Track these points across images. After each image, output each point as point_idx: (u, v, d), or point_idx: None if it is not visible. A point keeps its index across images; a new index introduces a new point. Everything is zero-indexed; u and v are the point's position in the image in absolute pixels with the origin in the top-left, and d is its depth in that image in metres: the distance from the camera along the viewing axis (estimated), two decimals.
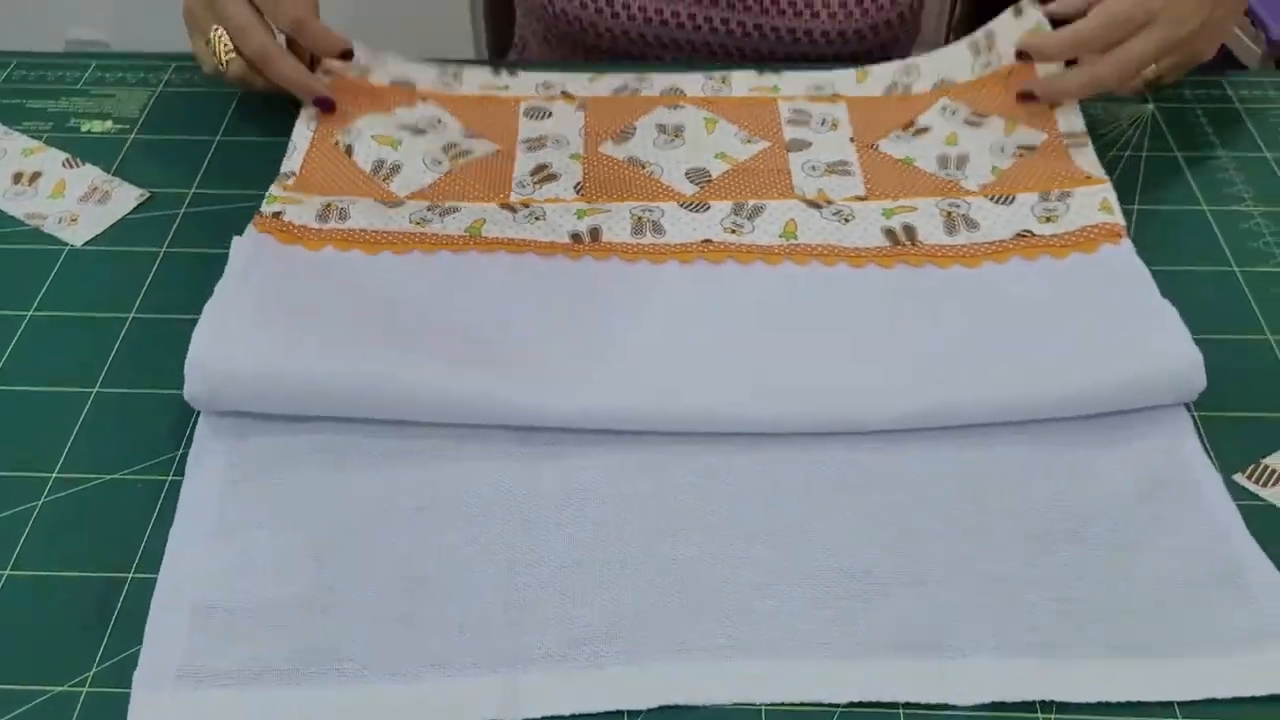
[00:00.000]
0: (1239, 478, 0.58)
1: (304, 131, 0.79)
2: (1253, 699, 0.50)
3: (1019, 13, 0.82)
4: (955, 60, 0.84)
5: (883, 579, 0.55)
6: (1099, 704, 0.50)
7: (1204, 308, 0.65)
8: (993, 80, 0.81)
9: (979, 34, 0.84)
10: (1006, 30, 0.82)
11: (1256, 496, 0.57)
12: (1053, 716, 0.50)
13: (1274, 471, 0.57)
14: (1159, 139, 0.80)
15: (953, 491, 0.59)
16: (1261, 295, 0.68)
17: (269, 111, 0.83)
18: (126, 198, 0.78)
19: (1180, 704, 0.50)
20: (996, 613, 0.53)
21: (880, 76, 0.85)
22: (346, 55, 0.81)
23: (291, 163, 0.77)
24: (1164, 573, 0.55)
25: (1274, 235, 0.73)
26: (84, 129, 0.84)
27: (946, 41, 0.97)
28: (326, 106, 0.79)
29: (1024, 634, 0.53)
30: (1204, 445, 0.59)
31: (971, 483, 0.59)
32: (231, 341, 0.61)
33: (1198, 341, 0.61)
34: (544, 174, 0.77)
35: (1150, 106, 0.83)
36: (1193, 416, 0.61)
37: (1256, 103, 0.83)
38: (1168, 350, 0.61)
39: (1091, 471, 0.59)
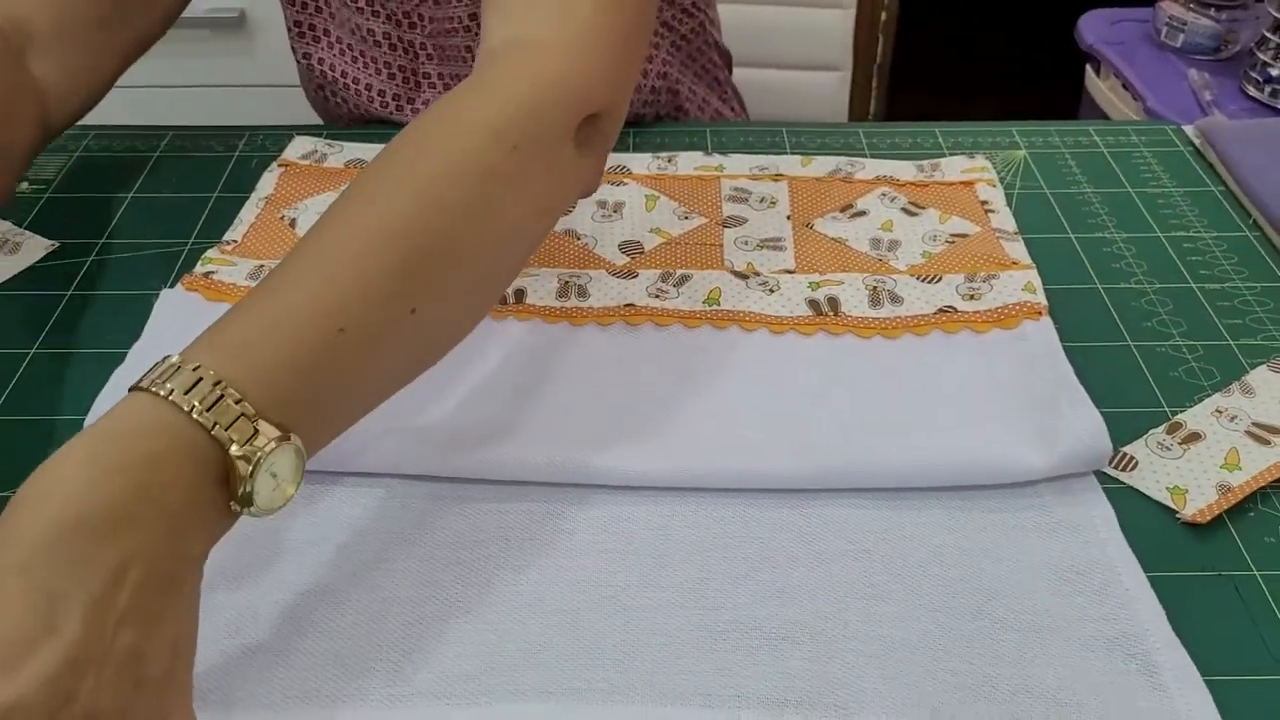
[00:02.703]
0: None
1: (252, 208, 0.80)
2: None
3: (971, 157, 0.86)
4: (898, 166, 0.85)
5: (770, 634, 0.52)
6: None
7: (1073, 319, 0.71)
8: (933, 185, 0.83)
9: (925, 162, 0.86)
10: (953, 163, 0.85)
11: (1118, 481, 0.61)
12: None
13: (1132, 459, 0.63)
14: (1030, 178, 0.86)
15: (854, 554, 0.56)
16: (1122, 308, 0.74)
17: (187, 171, 0.85)
18: (35, 248, 0.78)
19: None
20: (887, 676, 0.50)
21: (824, 162, 0.85)
22: None
23: (234, 233, 0.78)
24: (1070, 659, 0.51)
25: (1133, 257, 0.78)
26: None
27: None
28: None
29: (913, 699, 0.49)
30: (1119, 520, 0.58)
31: (876, 547, 0.57)
32: None
33: (1068, 349, 0.67)
34: None
35: (1023, 152, 0.88)
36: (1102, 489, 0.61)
37: (1120, 146, 0.90)
38: (1077, 418, 0.61)
39: (1006, 546, 0.57)
